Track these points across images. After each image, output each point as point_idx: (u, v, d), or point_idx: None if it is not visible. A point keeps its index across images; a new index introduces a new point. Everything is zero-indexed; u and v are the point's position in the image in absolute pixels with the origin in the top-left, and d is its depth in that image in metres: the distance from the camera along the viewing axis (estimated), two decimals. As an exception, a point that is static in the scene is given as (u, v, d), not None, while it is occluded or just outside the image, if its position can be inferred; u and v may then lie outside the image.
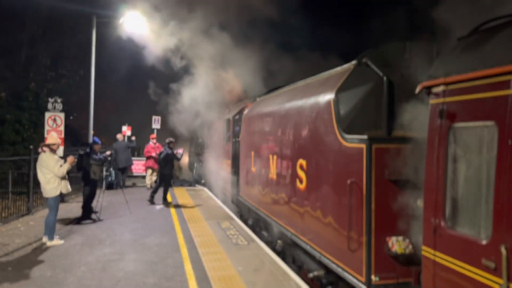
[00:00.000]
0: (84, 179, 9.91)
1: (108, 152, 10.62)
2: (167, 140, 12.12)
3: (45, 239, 7.66)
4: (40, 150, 7.77)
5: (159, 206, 11.58)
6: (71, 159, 7.96)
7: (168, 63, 13.62)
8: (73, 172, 12.70)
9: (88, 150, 9.97)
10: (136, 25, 14.05)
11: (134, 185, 16.75)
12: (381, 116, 4.69)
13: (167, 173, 11.90)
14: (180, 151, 13.27)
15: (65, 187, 7.77)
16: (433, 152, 3.36)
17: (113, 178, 14.98)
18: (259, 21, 13.64)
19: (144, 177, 17.81)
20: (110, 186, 14.74)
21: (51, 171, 7.50)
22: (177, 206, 11.75)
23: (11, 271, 6.09)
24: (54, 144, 7.72)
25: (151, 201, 11.92)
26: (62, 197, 8.07)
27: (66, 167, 7.65)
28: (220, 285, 5.62)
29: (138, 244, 7.69)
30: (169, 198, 12.01)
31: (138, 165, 18.28)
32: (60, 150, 8.52)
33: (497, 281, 2.71)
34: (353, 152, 4.66)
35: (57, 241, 7.65)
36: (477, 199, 3.00)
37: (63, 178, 7.68)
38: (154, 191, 12.13)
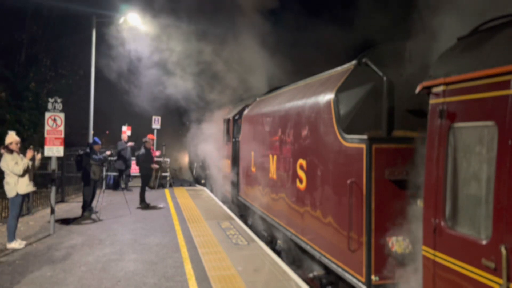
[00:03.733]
0: (84, 179, 9.92)
1: (108, 152, 10.63)
2: (143, 140, 11.99)
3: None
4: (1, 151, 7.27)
5: (158, 207, 11.57)
6: (29, 153, 7.37)
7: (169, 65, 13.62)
8: (73, 172, 12.70)
9: (88, 150, 9.98)
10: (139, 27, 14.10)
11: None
12: (381, 116, 4.69)
13: (143, 174, 11.67)
14: (157, 153, 13.17)
15: (23, 187, 7.21)
16: (433, 152, 3.36)
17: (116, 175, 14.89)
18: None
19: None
20: (115, 186, 14.67)
21: (11, 171, 7.05)
22: (177, 206, 11.74)
23: (11, 271, 6.09)
24: (10, 143, 7.15)
25: (143, 205, 11.29)
26: (28, 197, 7.74)
27: (22, 164, 7.10)
28: (220, 285, 5.62)
29: (138, 244, 7.69)
30: (169, 198, 11.96)
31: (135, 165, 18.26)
32: (61, 151, 8.40)
33: (497, 281, 2.71)
34: (353, 152, 4.66)
35: (16, 244, 7.26)
36: (477, 199, 3.00)
37: (22, 177, 7.17)
38: (140, 194, 11.43)
